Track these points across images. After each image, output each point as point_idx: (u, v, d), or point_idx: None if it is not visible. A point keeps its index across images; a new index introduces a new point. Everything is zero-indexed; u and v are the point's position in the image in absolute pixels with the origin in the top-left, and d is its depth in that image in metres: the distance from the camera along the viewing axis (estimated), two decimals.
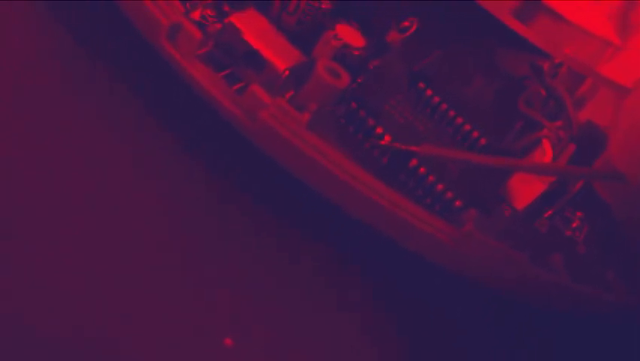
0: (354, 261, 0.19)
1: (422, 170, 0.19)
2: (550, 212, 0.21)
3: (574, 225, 0.22)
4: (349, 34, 0.19)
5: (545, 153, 0.21)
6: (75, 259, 0.16)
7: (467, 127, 0.21)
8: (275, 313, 0.17)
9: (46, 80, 0.19)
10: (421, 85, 0.22)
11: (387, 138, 0.19)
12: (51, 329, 0.15)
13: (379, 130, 0.19)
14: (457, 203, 0.19)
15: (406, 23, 0.22)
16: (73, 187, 0.17)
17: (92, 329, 0.16)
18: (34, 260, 0.16)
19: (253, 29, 0.19)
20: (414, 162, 0.19)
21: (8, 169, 0.17)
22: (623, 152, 0.16)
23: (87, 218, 0.17)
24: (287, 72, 0.18)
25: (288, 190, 0.18)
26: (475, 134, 0.21)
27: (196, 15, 0.20)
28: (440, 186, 0.19)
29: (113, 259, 0.16)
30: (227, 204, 0.18)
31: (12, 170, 0.17)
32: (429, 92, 0.21)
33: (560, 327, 0.20)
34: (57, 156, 0.18)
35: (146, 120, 0.19)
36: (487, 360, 0.19)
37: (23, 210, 0.17)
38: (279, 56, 0.18)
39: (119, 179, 0.18)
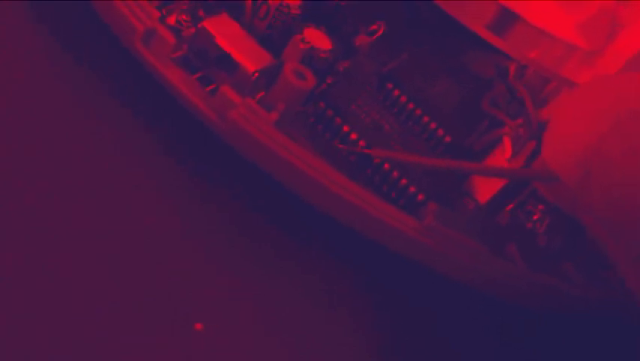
0: (320, 251, 0.19)
1: (386, 166, 0.20)
2: (511, 205, 0.22)
3: (535, 217, 0.23)
4: (317, 38, 0.20)
5: (505, 150, 0.22)
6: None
7: (433, 126, 0.23)
8: (244, 300, 0.18)
9: (24, 78, 0.19)
10: (389, 86, 0.23)
11: (353, 137, 0.20)
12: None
13: (346, 129, 0.20)
14: (420, 197, 0.20)
15: (374, 27, 0.23)
16: (49, 184, 0.18)
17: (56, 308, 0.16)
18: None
19: (225, 33, 0.20)
20: (378, 159, 0.20)
21: None
22: (554, 152, 0.17)
23: (59, 209, 0.18)
24: (257, 74, 0.19)
25: (258, 186, 0.19)
26: (441, 132, 0.22)
27: (172, 20, 0.21)
28: (404, 181, 0.20)
29: (85, 244, 0.17)
30: (200, 200, 0.19)
31: None
32: (396, 93, 0.23)
33: (529, 322, 0.21)
34: (25, 153, 0.18)
35: (121, 119, 0.19)
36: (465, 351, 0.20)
37: None
38: (250, 58, 0.19)
39: (92, 176, 0.18)
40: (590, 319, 0.21)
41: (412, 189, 0.20)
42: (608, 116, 0.16)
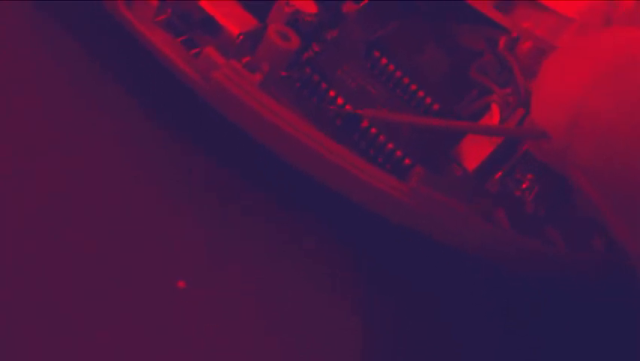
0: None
1: (373, 130, 0.20)
2: (500, 173, 0.22)
3: (524, 185, 0.23)
4: (302, 2, 0.20)
5: (493, 117, 0.22)
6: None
7: (421, 93, 0.22)
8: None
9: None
10: (377, 54, 0.22)
11: (339, 101, 0.20)
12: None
13: (332, 93, 0.20)
14: (407, 161, 0.20)
15: None
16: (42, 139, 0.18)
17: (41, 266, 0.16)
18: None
19: None
20: (365, 123, 0.20)
21: None
22: (542, 109, 0.17)
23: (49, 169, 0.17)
24: (241, 37, 0.19)
25: (243, 148, 0.19)
26: (428, 100, 0.22)
27: None
28: (390, 145, 0.20)
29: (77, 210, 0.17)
30: (186, 163, 0.19)
31: None
32: (384, 61, 0.22)
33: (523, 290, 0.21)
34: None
35: (104, 83, 0.19)
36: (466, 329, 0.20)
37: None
38: (234, 22, 0.19)
39: (79, 139, 0.18)
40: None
41: (399, 154, 0.20)
42: (593, 70, 0.16)
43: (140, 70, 0.20)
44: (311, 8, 0.20)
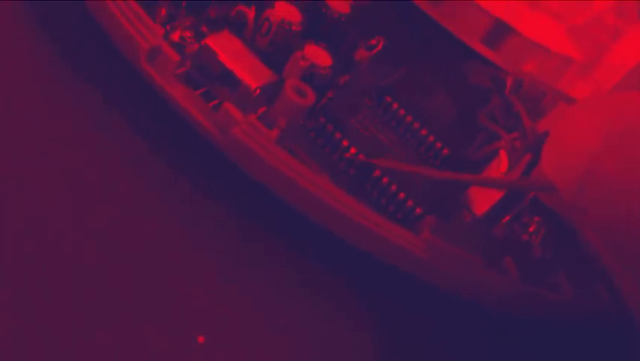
0: (320, 262, 0.20)
1: (385, 180, 0.21)
2: (507, 218, 0.23)
3: (531, 229, 0.23)
4: (317, 54, 0.21)
5: (501, 163, 0.23)
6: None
7: (431, 138, 0.23)
8: (247, 312, 0.18)
9: (30, 94, 0.20)
10: (388, 99, 0.23)
11: (352, 151, 0.21)
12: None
13: (345, 143, 0.21)
14: (418, 210, 0.20)
15: (373, 42, 0.23)
16: (53, 196, 0.18)
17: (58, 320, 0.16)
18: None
19: (228, 50, 0.20)
20: (377, 172, 0.21)
21: None
22: (553, 163, 0.17)
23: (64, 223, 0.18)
24: (258, 90, 0.20)
25: (260, 201, 0.20)
26: (438, 145, 0.23)
27: (175, 36, 0.21)
28: (402, 195, 0.21)
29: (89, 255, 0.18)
30: (203, 214, 0.19)
31: None
32: (395, 106, 0.23)
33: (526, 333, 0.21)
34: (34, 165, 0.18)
35: (123, 134, 0.20)
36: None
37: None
38: (252, 75, 0.20)
39: (94, 190, 0.19)
40: (583, 328, 0.21)
41: (410, 203, 0.21)
42: (604, 132, 0.17)
43: (157, 120, 0.20)
44: (325, 60, 0.21)
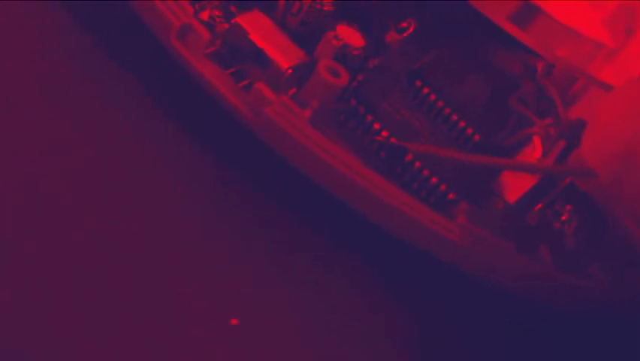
0: (352, 249, 0.20)
1: (417, 164, 0.20)
2: (540, 205, 0.22)
3: (563, 218, 0.23)
4: (349, 35, 0.20)
5: (535, 149, 0.22)
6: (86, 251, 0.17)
7: (462, 124, 0.23)
8: (279, 298, 0.18)
9: (63, 77, 0.19)
10: (418, 83, 0.23)
11: (384, 134, 0.20)
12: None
13: (377, 126, 0.20)
14: (451, 195, 0.20)
15: (404, 24, 0.23)
16: (84, 176, 0.18)
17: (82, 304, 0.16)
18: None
19: (258, 29, 0.20)
20: (409, 156, 0.20)
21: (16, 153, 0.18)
22: (593, 149, 0.17)
23: (93, 206, 0.18)
24: (290, 71, 0.19)
25: (290, 182, 0.19)
26: (470, 130, 0.22)
27: (204, 15, 0.21)
28: (434, 180, 0.20)
29: (125, 242, 0.17)
30: (233, 194, 0.19)
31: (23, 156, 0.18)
32: (425, 90, 0.23)
33: (553, 323, 0.21)
34: (65, 145, 0.18)
35: (156, 114, 0.20)
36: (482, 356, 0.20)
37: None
38: (283, 55, 0.19)
39: (126, 168, 0.18)
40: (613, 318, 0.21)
41: (443, 188, 0.20)
42: None
43: (189, 100, 0.20)
44: (358, 41, 0.20)
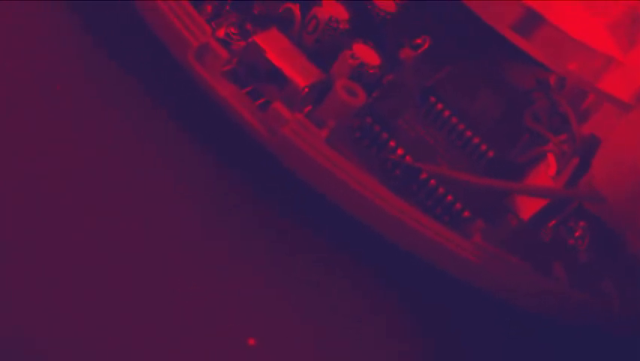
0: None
1: (432, 182, 0.20)
2: (554, 222, 0.22)
3: (577, 234, 0.23)
4: (365, 53, 0.20)
5: (550, 166, 0.22)
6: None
7: (476, 140, 0.23)
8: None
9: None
10: (432, 99, 0.23)
11: (399, 152, 0.20)
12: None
13: (392, 144, 0.20)
14: (466, 214, 0.20)
15: (419, 41, 0.23)
16: (99, 194, 0.18)
17: (118, 332, 0.16)
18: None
19: (275, 48, 0.20)
20: (424, 174, 0.20)
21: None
22: (604, 173, 0.17)
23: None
24: (306, 89, 0.19)
25: (306, 201, 0.19)
26: (483, 147, 0.23)
27: (220, 33, 0.21)
28: (449, 198, 0.20)
29: (138, 258, 0.17)
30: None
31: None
32: (439, 107, 0.23)
33: (563, 339, 0.21)
34: (81, 162, 0.18)
35: (172, 132, 0.20)
36: None
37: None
38: (299, 73, 0.20)
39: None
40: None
41: (458, 206, 0.20)
42: None
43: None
44: (374, 59, 0.20)
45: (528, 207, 0.22)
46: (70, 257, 0.17)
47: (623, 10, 0.24)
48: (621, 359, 0.21)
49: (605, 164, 0.17)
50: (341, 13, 0.21)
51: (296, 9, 0.21)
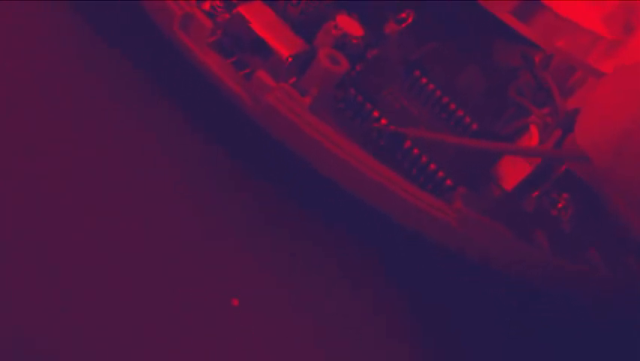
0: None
1: (416, 151, 0.21)
2: (537, 192, 0.23)
3: (560, 205, 0.23)
4: (349, 25, 0.21)
5: (532, 138, 0.23)
6: (84, 235, 0.17)
7: (460, 113, 0.23)
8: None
9: (64, 64, 0.20)
10: (417, 73, 0.23)
11: (383, 122, 0.21)
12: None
13: (376, 114, 0.21)
14: (448, 182, 0.20)
15: (403, 15, 0.23)
16: (87, 159, 0.18)
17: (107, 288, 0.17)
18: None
19: (259, 19, 0.20)
20: (408, 143, 0.21)
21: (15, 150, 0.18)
22: (586, 133, 0.17)
23: (95, 187, 0.18)
24: (290, 59, 0.20)
25: (290, 168, 0.20)
26: (467, 119, 0.23)
27: (206, 6, 0.21)
28: (433, 166, 0.20)
29: (124, 226, 0.18)
30: (234, 181, 0.19)
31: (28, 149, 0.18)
32: (424, 80, 0.23)
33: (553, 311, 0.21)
34: (69, 130, 0.18)
35: (158, 103, 0.20)
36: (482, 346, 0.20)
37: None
38: (284, 44, 0.20)
39: (129, 155, 0.19)
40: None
41: (441, 174, 0.20)
42: (636, 104, 0.17)
43: (189, 88, 0.20)
44: (357, 31, 0.21)
45: (511, 178, 0.22)
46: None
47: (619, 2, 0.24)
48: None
49: (588, 122, 0.17)
50: None
51: None
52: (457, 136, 0.22)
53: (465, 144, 0.20)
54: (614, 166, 0.17)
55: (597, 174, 0.17)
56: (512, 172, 0.22)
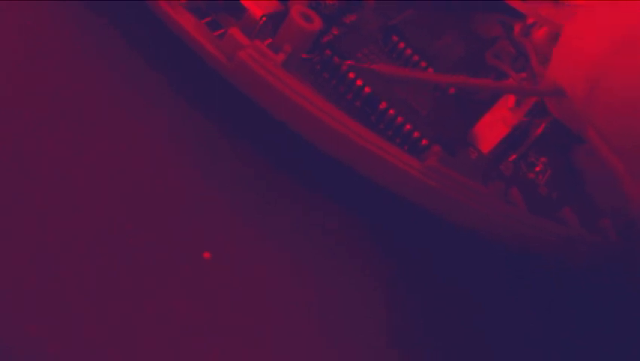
0: (326, 195, 0.20)
1: (391, 112, 0.21)
2: (514, 156, 0.23)
3: (537, 168, 0.23)
4: None
5: (508, 102, 0.23)
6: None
7: None
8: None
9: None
10: (394, 38, 0.23)
11: (359, 83, 0.21)
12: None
13: (351, 75, 0.21)
14: (424, 142, 0.20)
15: None
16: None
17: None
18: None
19: None
20: (384, 104, 0.21)
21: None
22: (562, 67, 0.17)
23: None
24: (264, 18, 0.20)
25: (264, 127, 0.20)
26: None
27: None
28: (408, 126, 0.20)
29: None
30: (208, 139, 0.19)
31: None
32: (401, 45, 0.23)
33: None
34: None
35: (130, 63, 0.20)
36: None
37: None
38: (257, 3, 0.20)
39: (102, 118, 0.19)
40: (598, 277, 0.21)
41: (416, 135, 0.20)
42: (616, 35, 0.17)
43: (166, 50, 0.20)
44: None
45: (488, 140, 0.22)
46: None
47: None
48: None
49: (563, 56, 0.17)
50: None
51: None
52: (430, 105, 0.22)
53: (440, 80, 0.20)
54: (591, 98, 0.17)
55: (574, 108, 0.17)
56: (490, 135, 0.22)
